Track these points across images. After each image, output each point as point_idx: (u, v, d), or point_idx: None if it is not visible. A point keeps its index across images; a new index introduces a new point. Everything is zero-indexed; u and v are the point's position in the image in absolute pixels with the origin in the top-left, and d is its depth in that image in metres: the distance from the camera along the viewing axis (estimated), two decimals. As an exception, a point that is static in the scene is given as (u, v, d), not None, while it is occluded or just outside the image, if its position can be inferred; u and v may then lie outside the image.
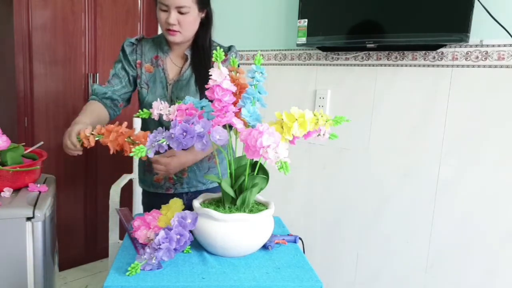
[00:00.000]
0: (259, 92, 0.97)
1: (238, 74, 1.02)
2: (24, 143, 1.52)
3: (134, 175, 2.22)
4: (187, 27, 1.29)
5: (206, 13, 1.34)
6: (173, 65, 1.40)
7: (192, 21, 1.29)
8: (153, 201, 1.40)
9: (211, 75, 0.95)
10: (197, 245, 1.07)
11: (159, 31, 2.71)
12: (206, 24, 1.35)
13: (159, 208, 1.13)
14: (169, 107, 1.06)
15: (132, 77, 1.40)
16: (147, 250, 0.96)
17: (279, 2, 2.12)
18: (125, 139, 1.04)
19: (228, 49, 1.40)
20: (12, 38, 2.14)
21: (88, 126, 1.14)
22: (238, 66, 1.06)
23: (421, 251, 1.70)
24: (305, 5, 1.88)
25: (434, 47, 1.59)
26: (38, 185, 1.42)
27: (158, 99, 1.08)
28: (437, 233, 1.66)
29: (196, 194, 1.34)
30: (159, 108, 1.06)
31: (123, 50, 1.39)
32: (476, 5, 1.44)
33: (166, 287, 0.90)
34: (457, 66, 1.56)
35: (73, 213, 2.52)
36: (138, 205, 2.24)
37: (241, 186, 1.02)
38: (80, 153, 1.17)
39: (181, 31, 1.29)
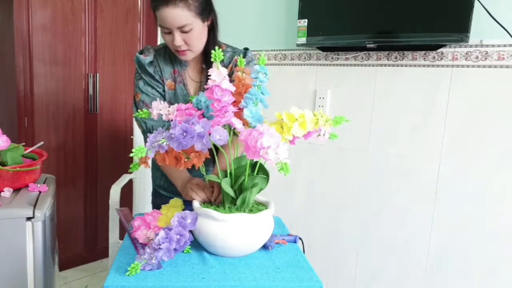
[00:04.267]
0: (262, 93, 0.97)
1: (244, 74, 1.02)
2: (24, 143, 1.52)
3: (134, 175, 2.22)
4: (195, 43, 1.21)
5: (211, 20, 1.25)
6: (192, 80, 1.33)
7: (198, 35, 1.20)
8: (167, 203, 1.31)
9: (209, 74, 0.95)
10: (197, 245, 1.07)
11: (159, 35, 2.72)
12: (212, 30, 1.26)
13: None
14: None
15: (163, 96, 1.32)
16: (147, 250, 0.96)
17: (279, 2, 2.12)
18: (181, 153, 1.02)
19: (243, 54, 1.33)
20: (12, 38, 2.15)
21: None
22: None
23: (421, 251, 1.70)
24: (305, 5, 1.88)
25: (434, 47, 1.59)
26: (38, 185, 1.42)
27: (158, 99, 1.07)
28: (437, 233, 1.66)
29: None
30: (159, 108, 1.06)
31: (145, 72, 1.28)
32: (476, 5, 1.44)
33: (166, 287, 0.90)
34: (457, 66, 1.56)
35: (73, 213, 2.52)
36: (138, 205, 2.24)
37: (241, 186, 1.02)
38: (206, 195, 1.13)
39: (190, 48, 1.21)
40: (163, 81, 1.30)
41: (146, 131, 1.29)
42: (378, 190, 1.82)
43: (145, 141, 1.31)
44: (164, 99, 1.31)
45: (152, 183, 1.51)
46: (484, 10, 1.44)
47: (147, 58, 1.27)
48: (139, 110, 1.12)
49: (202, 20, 1.19)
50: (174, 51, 1.24)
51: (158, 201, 1.50)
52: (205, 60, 1.31)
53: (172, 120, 1.01)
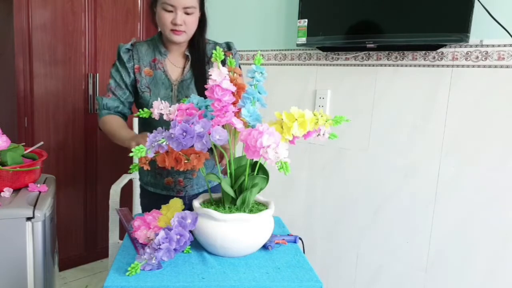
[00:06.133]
0: (259, 92, 0.97)
1: (235, 74, 1.02)
2: (24, 143, 1.52)
3: (134, 175, 2.22)
4: (191, 26, 1.31)
5: (202, 13, 1.36)
6: (173, 66, 1.39)
7: (195, 20, 1.32)
8: (155, 202, 1.33)
9: (210, 74, 0.95)
10: (197, 245, 1.07)
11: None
12: (202, 23, 1.37)
13: (158, 209, 1.13)
14: (170, 107, 1.06)
15: (131, 85, 1.38)
16: (147, 250, 0.96)
17: (279, 2, 2.12)
18: (181, 154, 1.02)
19: (227, 47, 1.41)
20: (12, 38, 2.14)
21: (143, 136, 1.16)
22: (240, 66, 1.06)
23: (421, 251, 1.70)
24: (305, 5, 1.88)
25: (434, 47, 1.59)
26: (38, 185, 1.42)
27: (159, 99, 1.08)
28: (437, 233, 1.66)
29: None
30: (159, 108, 1.06)
31: (120, 59, 1.37)
32: (476, 5, 1.44)
33: (166, 287, 0.90)
34: (457, 66, 1.56)
35: (73, 213, 2.52)
36: (138, 205, 2.23)
37: (241, 186, 1.02)
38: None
39: (186, 30, 1.30)
40: (138, 68, 1.37)
41: (100, 109, 1.38)
42: (378, 190, 1.82)
43: (99, 117, 1.37)
44: (126, 86, 1.38)
45: (140, 181, 1.53)
46: (484, 10, 1.44)
47: (125, 45, 1.37)
48: (140, 111, 1.14)
49: (199, 9, 1.32)
50: (169, 31, 1.30)
51: (146, 201, 1.52)
52: (190, 47, 1.39)
53: (172, 119, 1.02)
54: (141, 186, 1.54)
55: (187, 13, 1.27)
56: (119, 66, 1.37)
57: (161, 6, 1.27)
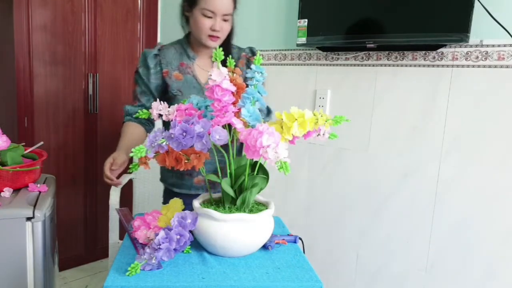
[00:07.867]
0: (258, 92, 0.97)
1: (234, 74, 1.02)
2: (24, 143, 1.52)
3: (134, 175, 2.22)
4: (226, 33, 1.36)
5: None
6: (202, 70, 1.42)
7: (230, 26, 1.37)
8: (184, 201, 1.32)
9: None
10: (197, 245, 1.07)
11: (159, 35, 2.72)
12: (231, 29, 1.42)
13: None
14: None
15: (157, 90, 1.40)
16: (147, 250, 0.96)
17: (279, 2, 2.12)
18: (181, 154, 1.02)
19: (251, 52, 1.48)
20: (12, 38, 2.15)
21: (120, 155, 1.23)
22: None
23: (421, 251, 1.70)
24: (305, 5, 1.88)
25: (434, 47, 1.59)
26: (38, 185, 1.42)
27: (158, 100, 1.08)
28: (437, 233, 1.66)
29: None
30: (159, 108, 1.06)
31: (146, 65, 1.38)
32: (476, 5, 1.44)
33: (166, 287, 0.90)
34: (457, 66, 1.56)
35: (73, 213, 2.52)
36: (138, 205, 2.24)
37: (241, 186, 1.02)
38: (120, 184, 1.25)
39: (221, 36, 1.35)
40: (167, 73, 1.39)
41: (124, 115, 1.43)
42: (378, 190, 1.82)
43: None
44: (151, 92, 1.40)
45: (164, 184, 1.53)
46: (484, 10, 1.44)
47: (152, 51, 1.39)
48: (139, 111, 1.16)
49: (232, 15, 1.37)
50: (207, 37, 1.34)
51: (169, 200, 1.51)
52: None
53: (172, 120, 1.02)
54: (165, 186, 1.54)
55: (225, 20, 1.33)
56: (143, 73, 1.39)
57: (201, 11, 1.30)
